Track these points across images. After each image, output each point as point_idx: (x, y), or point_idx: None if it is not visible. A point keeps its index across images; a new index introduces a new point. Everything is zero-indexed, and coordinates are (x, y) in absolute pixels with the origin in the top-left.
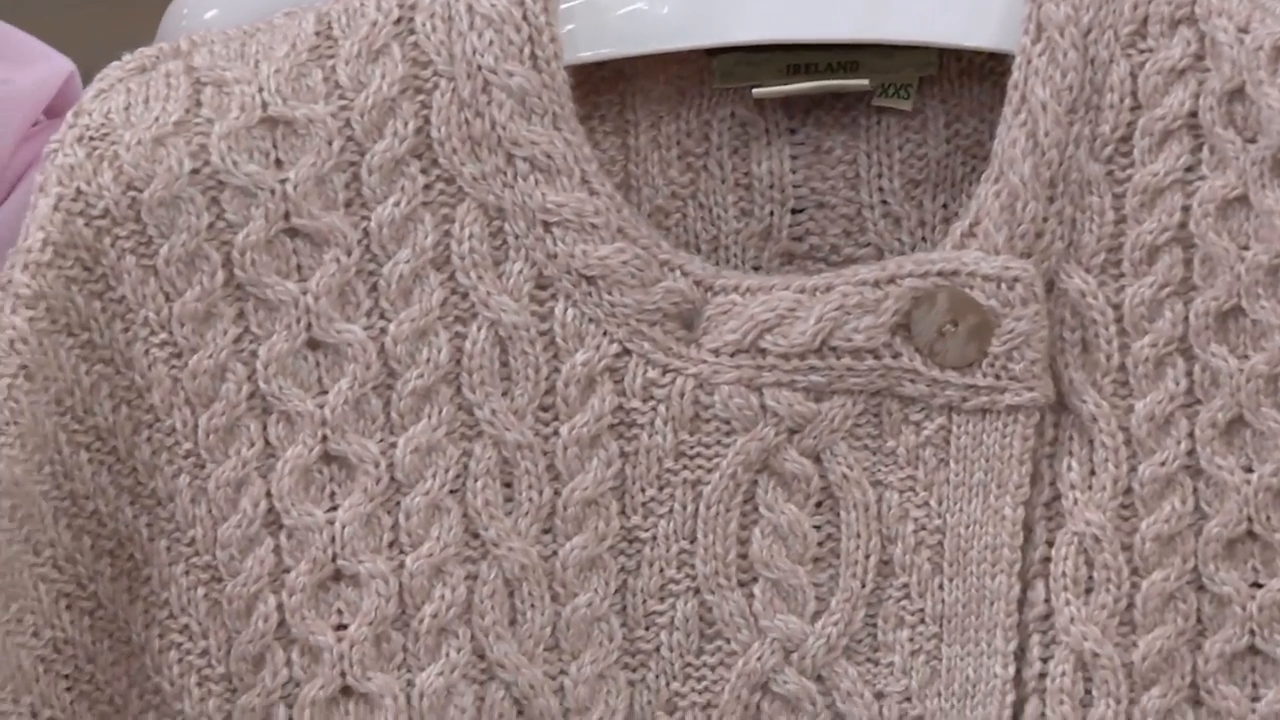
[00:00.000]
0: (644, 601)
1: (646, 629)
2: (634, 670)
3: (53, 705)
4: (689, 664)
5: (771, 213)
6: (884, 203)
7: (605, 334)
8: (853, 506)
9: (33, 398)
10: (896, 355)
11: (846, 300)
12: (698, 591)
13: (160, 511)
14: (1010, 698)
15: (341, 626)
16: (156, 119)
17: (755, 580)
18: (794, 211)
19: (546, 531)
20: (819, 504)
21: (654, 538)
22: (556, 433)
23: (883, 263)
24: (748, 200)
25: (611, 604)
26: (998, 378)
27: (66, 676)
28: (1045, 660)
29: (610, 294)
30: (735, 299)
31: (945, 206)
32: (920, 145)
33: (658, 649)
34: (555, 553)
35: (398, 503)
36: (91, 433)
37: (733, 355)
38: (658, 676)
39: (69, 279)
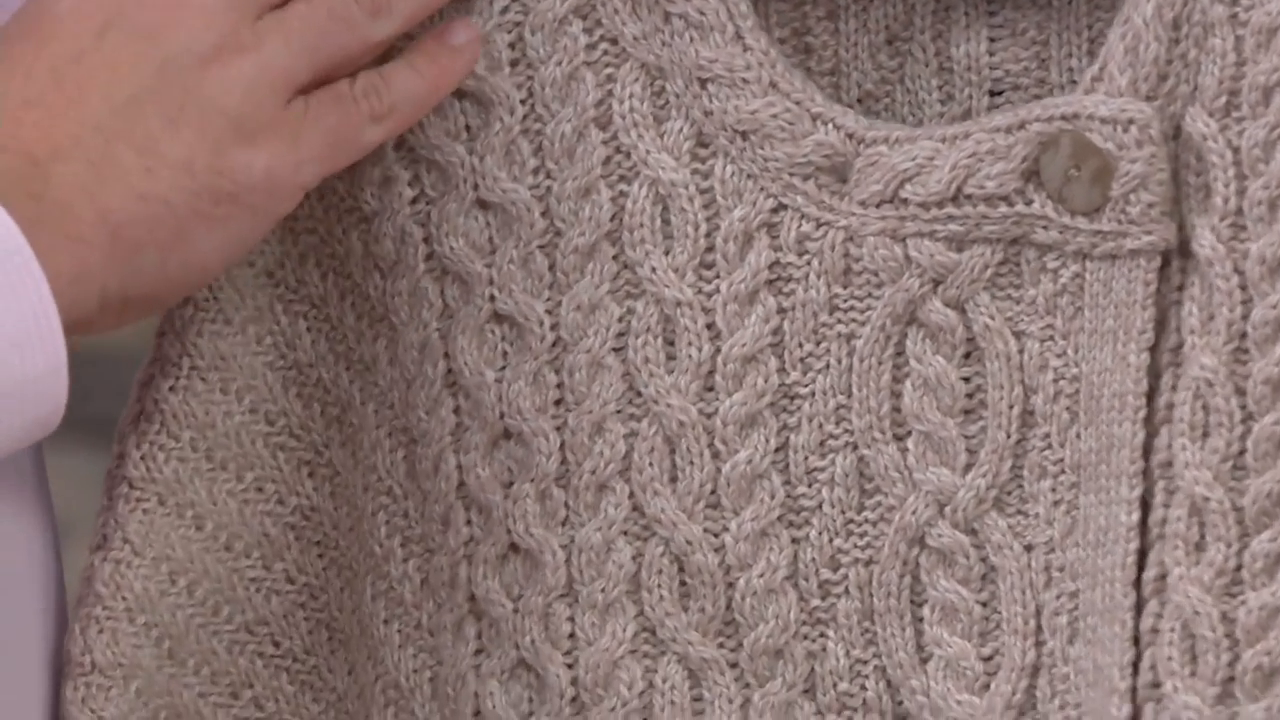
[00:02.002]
0: (805, 458)
1: (808, 485)
2: (797, 527)
3: (306, 572)
4: (850, 519)
5: (970, 96)
6: (1073, 83)
7: (761, 189)
8: (996, 357)
9: (239, 270)
10: (1029, 201)
11: (980, 147)
12: (855, 446)
13: (368, 376)
14: (1134, 545)
15: (509, 484)
16: None
17: (909, 434)
18: (992, 94)
19: (707, 389)
20: (965, 355)
21: (812, 393)
22: (716, 289)
23: (1016, 109)
24: (949, 84)
25: (772, 461)
26: (1119, 222)
27: (317, 544)
28: (1166, 507)
29: (763, 148)
30: (883, 150)
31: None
32: (1108, 26)
33: (820, 505)
34: (715, 410)
35: (562, 360)
36: (306, 301)
37: (878, 206)
38: (820, 533)
39: None
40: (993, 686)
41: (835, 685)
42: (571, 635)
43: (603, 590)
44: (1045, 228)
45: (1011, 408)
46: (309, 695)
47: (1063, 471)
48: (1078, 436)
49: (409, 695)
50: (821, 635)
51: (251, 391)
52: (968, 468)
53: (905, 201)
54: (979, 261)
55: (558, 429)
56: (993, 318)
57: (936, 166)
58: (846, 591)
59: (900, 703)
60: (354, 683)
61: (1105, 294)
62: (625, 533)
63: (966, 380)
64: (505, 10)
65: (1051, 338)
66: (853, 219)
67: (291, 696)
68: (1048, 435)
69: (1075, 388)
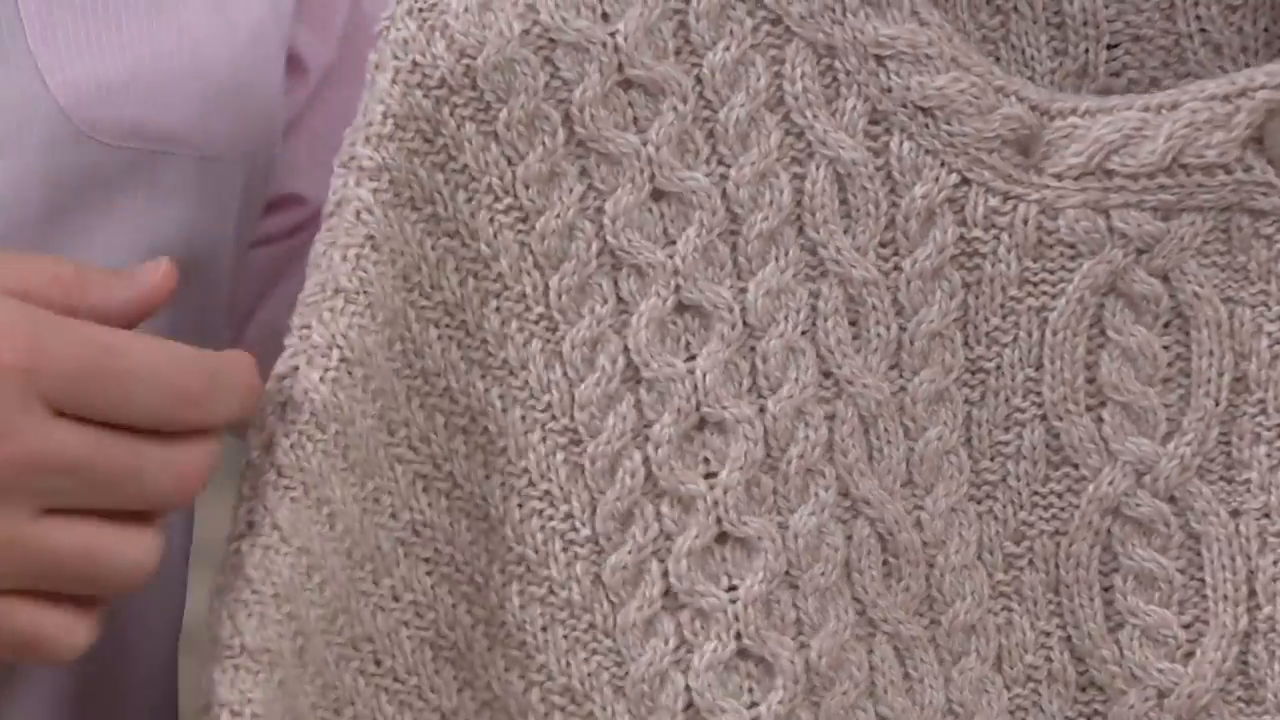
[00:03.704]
0: (989, 432)
1: (992, 459)
2: (981, 502)
3: (414, 589)
4: (1036, 492)
5: (1086, 50)
6: (1203, 30)
7: (943, 165)
8: (1204, 324)
9: (380, 269)
10: (1249, 169)
11: (1196, 116)
12: (1044, 418)
13: (513, 381)
14: None
15: (711, 474)
16: None
17: (1104, 404)
18: (1109, 47)
19: (893, 367)
20: (1166, 324)
21: (998, 367)
22: (898, 267)
23: (1230, 76)
24: (1060, 39)
25: (959, 436)
26: None
27: (426, 560)
28: None
29: (949, 124)
30: (1076, 121)
31: (1266, 30)
32: None
33: (1004, 479)
34: (904, 388)
35: (753, 347)
36: (440, 308)
37: (1077, 178)
38: (1005, 506)
39: (410, 151)
40: (1199, 654)
41: (1022, 658)
42: (797, 621)
43: (822, 574)
44: (1265, 194)
45: (1222, 375)
46: (409, 715)
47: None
48: None
49: (585, 698)
50: (1006, 609)
51: (383, 396)
52: (1169, 435)
53: (1111, 173)
54: (1188, 230)
55: (758, 415)
56: (1201, 285)
57: (1147, 137)
58: (1031, 564)
59: (1085, 672)
60: (470, 699)
61: None
62: (834, 515)
63: (1167, 349)
64: None
65: (1265, 303)
66: (1047, 192)
67: (390, 716)
68: (1262, 401)
69: None
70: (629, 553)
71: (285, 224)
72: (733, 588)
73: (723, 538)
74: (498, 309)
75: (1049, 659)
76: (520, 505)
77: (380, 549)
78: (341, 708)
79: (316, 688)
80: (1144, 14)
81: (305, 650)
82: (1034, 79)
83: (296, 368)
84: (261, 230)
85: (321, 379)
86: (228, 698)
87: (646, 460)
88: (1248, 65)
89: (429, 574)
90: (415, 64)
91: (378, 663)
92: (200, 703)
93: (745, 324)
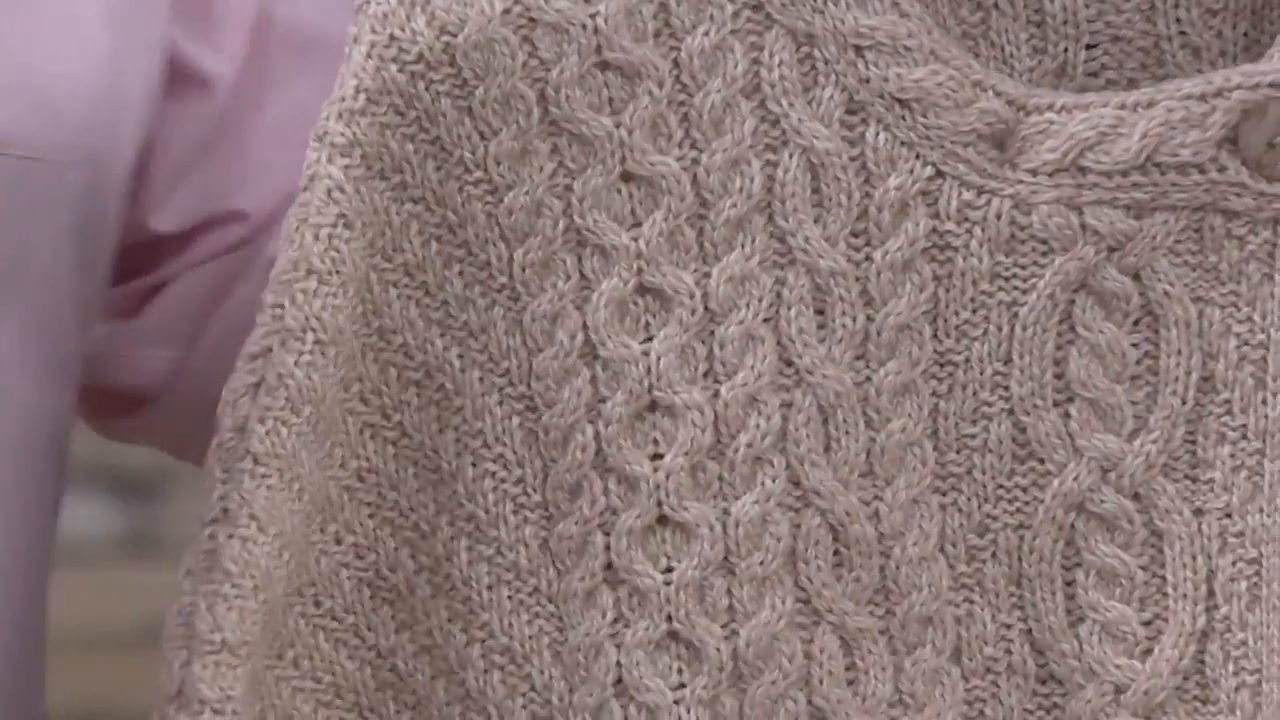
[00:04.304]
0: (956, 425)
1: (958, 452)
2: (944, 494)
3: (355, 531)
4: (1001, 485)
5: (1066, 49)
6: (1182, 33)
7: (918, 157)
8: (1174, 323)
9: (352, 245)
10: (1223, 169)
11: (1171, 115)
12: (1012, 413)
13: (472, 343)
14: None
15: (658, 456)
16: None
17: (1071, 400)
18: (1088, 47)
19: (859, 358)
20: (1136, 322)
21: (967, 360)
22: (869, 258)
23: (1207, 76)
24: (1040, 38)
25: (924, 428)
26: None
27: (369, 504)
28: None
29: (925, 116)
30: (1052, 117)
31: (1246, 35)
32: None
33: (969, 471)
34: (869, 379)
35: (712, 332)
36: (401, 269)
37: (1052, 175)
38: (969, 499)
39: (383, 125)
40: (1156, 651)
41: (981, 650)
42: (730, 608)
43: (761, 563)
44: (1239, 194)
45: (1189, 374)
46: (344, 653)
47: (1244, 438)
48: (1264, 402)
49: (525, 660)
50: (967, 601)
51: (347, 363)
52: (1135, 433)
53: (1085, 170)
54: (1161, 229)
55: (710, 401)
56: (1172, 284)
57: (1122, 135)
58: (994, 557)
59: (1045, 665)
60: (409, 641)
61: None
62: (781, 504)
63: (1135, 346)
64: None
65: (1235, 304)
66: (1021, 187)
67: (326, 654)
68: (1228, 401)
69: (1262, 354)
70: (575, 524)
71: (226, 240)
72: (669, 569)
73: (663, 520)
74: (460, 273)
75: (1009, 651)
76: (474, 465)
77: (329, 498)
78: (283, 650)
79: (266, 639)
80: (1124, 15)
81: (268, 621)
82: (1012, 76)
83: (270, 349)
84: (203, 249)
85: (296, 363)
86: (209, 694)
87: (598, 436)
88: (1226, 69)
89: (371, 517)
90: (392, 38)
91: (317, 604)
92: (171, 689)
93: (706, 309)
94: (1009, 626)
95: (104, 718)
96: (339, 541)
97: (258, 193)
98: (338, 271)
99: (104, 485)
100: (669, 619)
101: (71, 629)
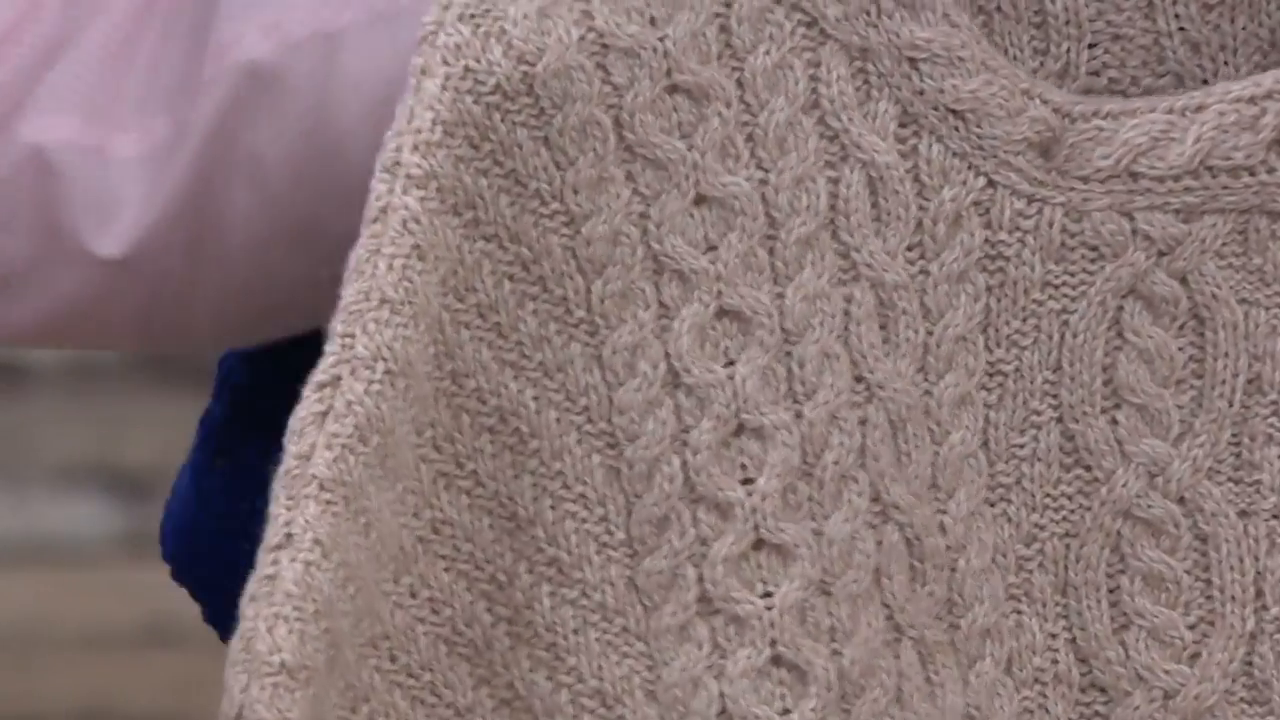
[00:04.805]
0: (1006, 435)
1: (1006, 462)
2: (995, 505)
3: (431, 585)
4: (1049, 494)
5: (1068, 49)
6: (1182, 29)
7: (970, 168)
8: (1221, 326)
9: (425, 278)
10: (1272, 170)
11: (1223, 119)
12: (1061, 420)
13: (548, 383)
14: None
15: (748, 480)
16: None
17: (1119, 406)
18: (1090, 46)
19: (920, 370)
20: (1183, 326)
21: (1018, 370)
22: (925, 271)
23: (1255, 78)
24: (1042, 39)
25: (978, 439)
26: None
27: (444, 557)
28: None
29: (979, 127)
30: (1100, 124)
31: (1244, 29)
32: None
33: (1018, 481)
34: (929, 391)
35: (789, 352)
36: (473, 310)
37: (1104, 181)
38: (1019, 509)
39: (457, 158)
40: (1205, 655)
41: (1030, 660)
42: (831, 628)
43: (855, 580)
44: None
45: (1236, 376)
46: (421, 711)
47: None
48: None
49: (616, 701)
50: (1016, 611)
51: (418, 403)
52: (1181, 437)
53: (1137, 175)
54: (1209, 232)
55: (794, 421)
56: (1219, 287)
57: (1175, 140)
58: (1041, 566)
59: (1088, 674)
60: (487, 696)
61: None
62: (866, 522)
63: (1182, 350)
64: (711, 2)
65: None
66: (1072, 194)
67: (404, 712)
68: (1275, 403)
69: None
70: (664, 558)
71: None
72: (768, 594)
73: (759, 544)
74: (535, 311)
75: (1055, 661)
76: (553, 507)
77: (403, 548)
78: (358, 705)
79: (338, 688)
80: (1124, 13)
81: (335, 657)
82: None
83: (339, 378)
84: None
85: (366, 391)
86: (267, 716)
87: (685, 465)
88: (1227, 63)
89: (447, 570)
90: (468, 70)
91: (393, 659)
92: (231, 712)
93: (783, 329)
94: (1055, 636)
95: (103, 717)
96: (414, 595)
97: None
98: (410, 302)
99: (104, 485)
100: (773, 644)
101: (71, 628)
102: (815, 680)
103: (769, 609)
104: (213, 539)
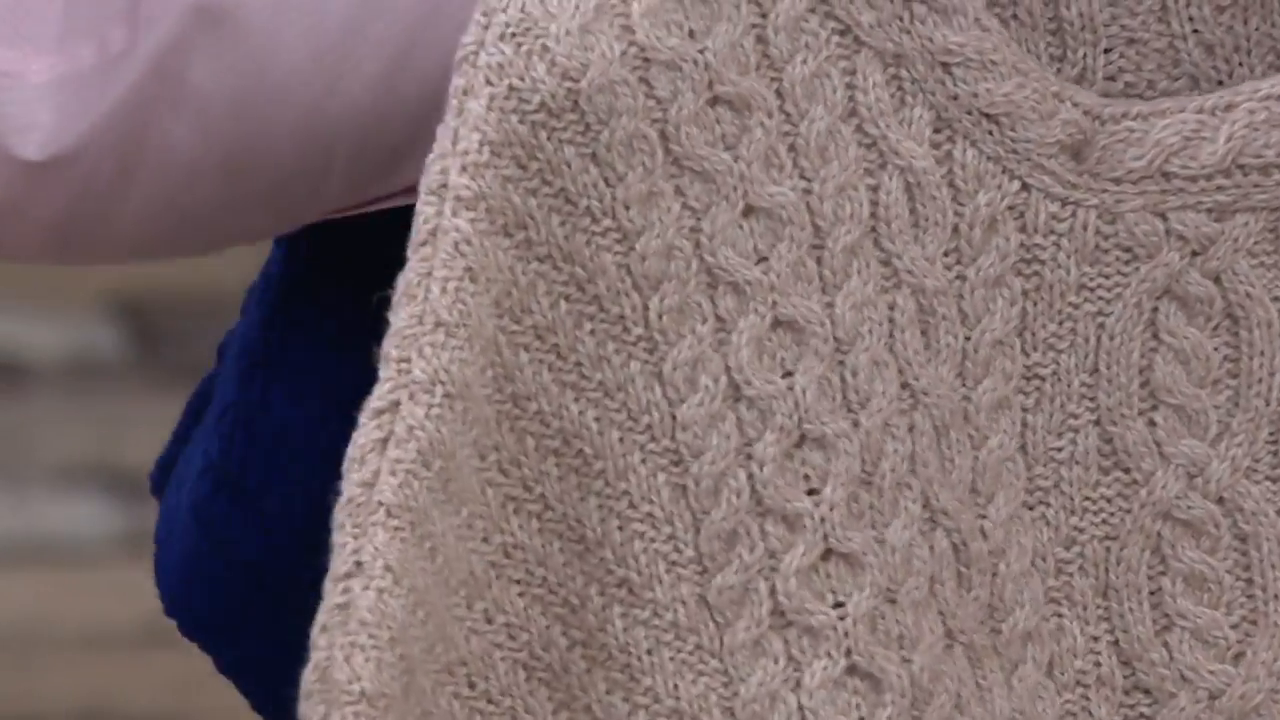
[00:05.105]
0: (1044, 438)
1: (1045, 465)
2: (1033, 508)
3: (506, 611)
4: (1088, 497)
5: (1084, 54)
6: (1196, 32)
7: (1005, 171)
8: (1255, 325)
9: (478, 300)
10: None
11: (1254, 117)
12: (1099, 423)
13: (609, 403)
14: None
15: (813, 491)
16: (577, 6)
17: (1156, 408)
18: (1105, 51)
19: (959, 376)
20: (1217, 325)
21: (1055, 373)
22: (961, 276)
23: None
24: (1058, 45)
25: (1016, 443)
26: None
27: (518, 582)
28: None
29: (1013, 130)
30: (1131, 125)
31: (1257, 29)
32: None
33: (1057, 484)
34: (968, 397)
35: (842, 361)
36: (530, 332)
37: (1137, 182)
38: (1057, 512)
39: (505, 178)
40: (1249, 654)
41: (1072, 664)
42: (900, 636)
43: (916, 588)
44: None
45: (1272, 375)
46: None
47: None
48: None
49: None
50: (1057, 615)
51: (478, 425)
52: (1219, 437)
53: (1169, 175)
54: (1242, 231)
55: (853, 430)
56: (1253, 286)
57: (1206, 139)
58: (1081, 569)
59: (1131, 676)
60: None
61: None
62: (920, 529)
63: (1217, 350)
64: (747, 13)
65: None
66: (1105, 196)
67: None
68: None
69: None
70: (735, 573)
71: None
72: (839, 604)
73: (828, 554)
74: (592, 331)
75: (1097, 664)
76: (620, 528)
77: (474, 573)
78: None
79: (414, 715)
80: (1139, 17)
81: (410, 684)
82: None
83: (398, 403)
84: None
85: (426, 415)
86: None
87: (751, 479)
88: (1241, 64)
89: (521, 595)
90: (512, 89)
91: (472, 685)
92: None
93: (835, 338)
94: (1096, 639)
95: (103, 717)
96: (489, 621)
97: None
98: (465, 325)
99: (104, 485)
100: (848, 654)
101: (71, 628)
102: (890, 688)
103: (842, 619)
104: (218, 575)
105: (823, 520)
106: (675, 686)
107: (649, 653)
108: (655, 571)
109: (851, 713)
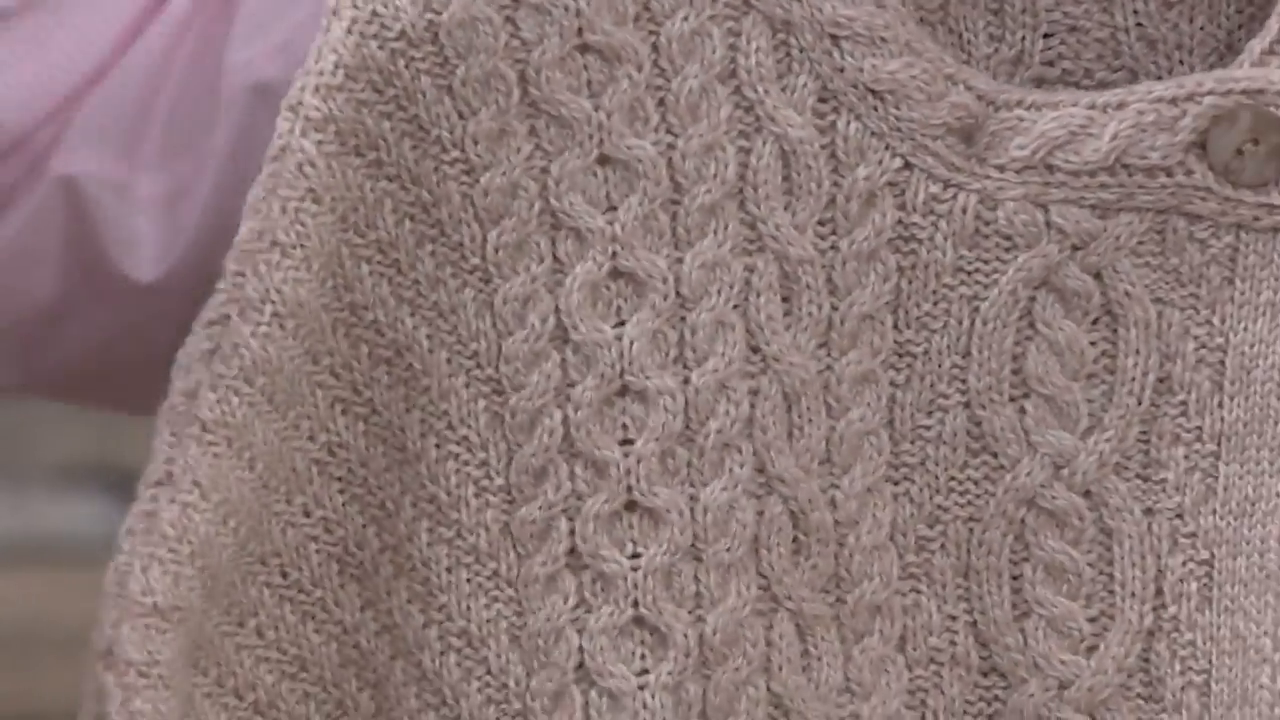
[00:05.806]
0: (912, 415)
1: (912, 442)
2: (897, 484)
3: (324, 506)
4: (954, 478)
5: (1023, 38)
6: (1139, 25)
7: (888, 148)
8: (1133, 323)
9: (319, 220)
10: (1189, 173)
11: (1142, 118)
12: (968, 406)
13: (442, 324)
14: None
15: (627, 442)
16: None
17: (1027, 396)
18: (1045, 36)
19: (822, 346)
20: (1095, 321)
21: (926, 352)
22: (835, 247)
23: (1179, 80)
24: (998, 25)
25: (881, 418)
26: None
27: (339, 479)
28: None
29: (897, 108)
30: (1021, 114)
31: (1202, 28)
32: None
33: (923, 462)
34: (830, 367)
35: (683, 318)
36: (373, 245)
37: (1019, 171)
38: (921, 490)
39: (359, 101)
40: (1102, 648)
41: (926, 640)
42: (696, 594)
43: (728, 549)
44: (1204, 199)
45: (1146, 374)
46: (310, 626)
47: (1199, 440)
48: (1220, 405)
49: (481, 643)
50: (914, 590)
51: (311, 335)
52: (1089, 431)
53: (1053, 168)
54: (1124, 230)
55: (681, 387)
56: (1133, 285)
57: (1092, 135)
58: (943, 548)
59: (988, 658)
60: (372, 619)
61: (1264, 266)
62: (747, 491)
63: (1094, 345)
64: None
65: (1194, 307)
66: (988, 182)
67: (293, 626)
68: (1184, 403)
69: (1220, 357)
70: (539, 508)
71: None
72: (636, 555)
73: (631, 505)
74: (433, 253)
75: (953, 643)
76: (438, 446)
77: (295, 470)
78: (245, 619)
79: (220, 607)
80: (1082, 6)
81: (214, 587)
82: (969, 64)
83: (228, 316)
84: None
85: (253, 334)
86: (136, 657)
87: (566, 420)
88: (1182, 62)
89: (341, 492)
90: (375, 14)
91: (284, 575)
92: (101, 647)
93: (678, 294)
94: (954, 618)
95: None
96: (308, 514)
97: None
98: (302, 245)
99: (104, 485)
100: (635, 604)
101: (71, 629)
102: (675, 644)
103: (634, 570)
104: None
105: (628, 471)
106: (468, 608)
107: (448, 570)
108: (464, 494)
109: (634, 662)
